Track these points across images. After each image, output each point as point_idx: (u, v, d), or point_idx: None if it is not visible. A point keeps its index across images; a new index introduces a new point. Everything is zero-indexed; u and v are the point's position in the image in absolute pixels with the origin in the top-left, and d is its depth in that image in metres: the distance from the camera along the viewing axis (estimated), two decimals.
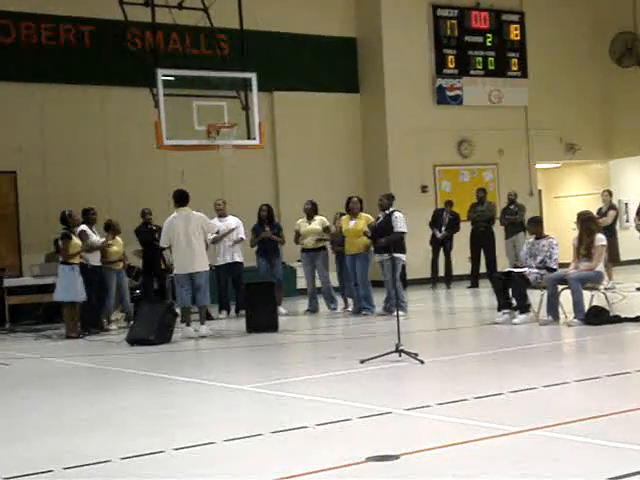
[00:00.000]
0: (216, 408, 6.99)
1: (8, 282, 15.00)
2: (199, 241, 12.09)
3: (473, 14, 21.05)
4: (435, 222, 18.52)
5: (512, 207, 18.11)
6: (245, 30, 16.05)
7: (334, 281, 14.86)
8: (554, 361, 8.71)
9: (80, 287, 12.59)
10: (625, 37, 21.96)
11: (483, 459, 4.90)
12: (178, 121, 14.61)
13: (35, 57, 17.10)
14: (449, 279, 18.51)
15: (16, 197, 17.00)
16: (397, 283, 12.56)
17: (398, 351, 8.44)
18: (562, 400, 6.60)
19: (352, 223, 13.55)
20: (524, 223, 16.12)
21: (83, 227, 13.31)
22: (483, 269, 18.03)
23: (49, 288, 13.98)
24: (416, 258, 17.31)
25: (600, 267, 11.17)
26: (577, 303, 10.80)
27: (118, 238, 13.89)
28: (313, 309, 14.58)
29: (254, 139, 15.39)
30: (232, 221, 14.65)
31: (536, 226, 11.91)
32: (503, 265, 16.83)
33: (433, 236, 18.48)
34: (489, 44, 21.22)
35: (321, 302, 14.65)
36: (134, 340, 11.37)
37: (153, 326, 11.35)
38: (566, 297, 11.07)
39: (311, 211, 14.59)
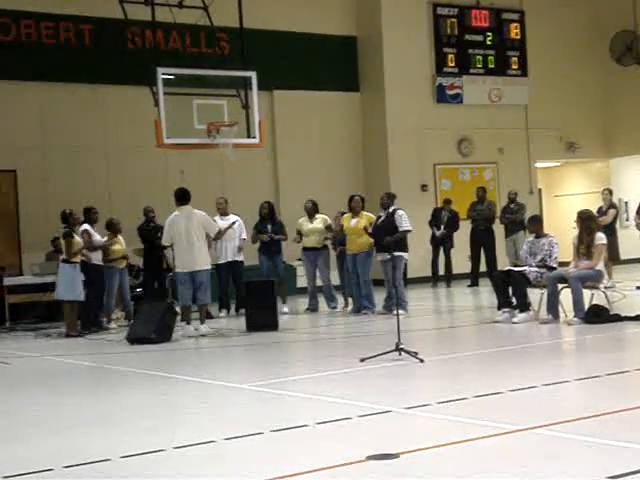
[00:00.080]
0: (216, 407, 6.99)
1: (8, 281, 15.03)
2: (200, 239, 12.08)
3: (473, 13, 21.04)
4: (434, 221, 18.53)
5: (512, 206, 18.11)
6: (245, 29, 16.06)
7: (335, 280, 14.88)
8: (554, 360, 8.71)
9: (81, 286, 12.60)
10: (625, 36, 21.94)
11: (483, 458, 4.90)
12: (178, 120, 14.61)
13: (35, 56, 17.09)
14: (449, 278, 18.52)
15: (16, 196, 16.99)
16: (399, 282, 12.56)
17: (398, 350, 8.44)
18: (562, 399, 6.61)
19: (353, 222, 13.56)
20: (524, 222, 16.12)
21: (86, 226, 13.32)
22: (483, 268, 18.03)
23: (49, 287, 14.00)
24: (416, 257, 17.32)
25: (600, 266, 11.17)
26: (577, 302, 10.81)
27: (120, 237, 13.92)
28: (313, 308, 14.59)
29: (254, 138, 15.40)
30: (233, 219, 14.63)
31: (536, 225, 11.91)
32: (503, 264, 16.82)
33: (433, 235, 18.49)
34: (489, 43, 21.22)
35: (321, 301, 14.66)
36: (134, 339, 11.37)
37: (153, 325, 11.36)
38: (566, 296, 11.07)
39: (312, 210, 14.60)
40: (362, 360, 8.39)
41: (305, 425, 5.87)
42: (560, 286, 11.11)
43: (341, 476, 4.70)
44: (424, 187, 20.38)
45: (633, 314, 10.90)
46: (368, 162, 20.50)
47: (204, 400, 7.27)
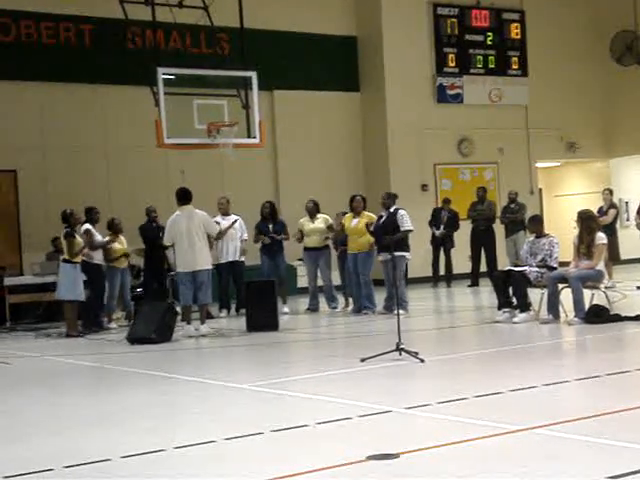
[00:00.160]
0: (216, 407, 6.99)
1: (9, 281, 15.04)
2: (202, 239, 12.08)
3: (473, 13, 21.05)
4: (434, 221, 18.54)
5: (512, 206, 18.11)
6: (245, 29, 16.06)
7: (336, 280, 14.88)
8: (554, 360, 8.71)
9: (81, 286, 12.61)
10: (625, 36, 21.95)
11: (483, 458, 4.90)
12: (178, 120, 14.61)
13: (35, 56, 17.09)
14: (449, 278, 18.52)
15: (16, 196, 17.00)
16: (401, 282, 12.55)
17: (398, 350, 8.44)
18: (562, 399, 6.61)
19: (354, 222, 13.56)
20: (524, 222, 16.13)
21: (87, 226, 13.33)
22: (484, 268, 18.03)
23: (50, 287, 14.00)
24: (416, 257, 17.26)
25: (600, 266, 11.17)
26: (577, 302, 10.80)
27: (121, 237, 13.93)
28: (314, 308, 14.59)
29: (254, 138, 15.40)
30: (234, 219, 14.60)
31: (536, 225, 11.91)
32: (503, 264, 16.83)
33: (433, 235, 18.50)
34: (489, 43, 21.22)
35: (321, 301, 14.66)
36: (135, 339, 11.37)
37: (154, 325, 11.36)
38: (566, 296, 11.07)
39: (314, 210, 14.60)
40: (362, 360, 8.39)
41: (305, 425, 5.87)
42: (560, 286, 11.10)
43: (341, 476, 4.70)
44: (424, 187, 20.39)
45: (633, 314, 10.90)
46: (368, 162, 20.51)
47: (204, 400, 7.27)
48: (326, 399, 6.81)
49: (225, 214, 14.65)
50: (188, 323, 12.08)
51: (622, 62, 22.08)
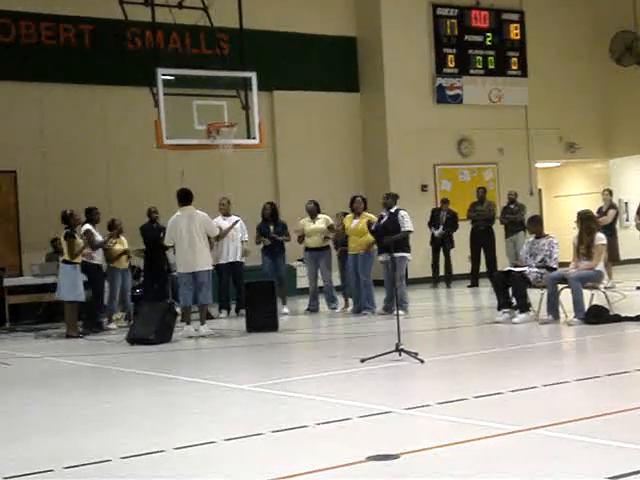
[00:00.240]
0: (216, 407, 6.99)
1: (8, 281, 15.03)
2: (202, 240, 12.07)
3: (473, 13, 21.06)
4: (433, 221, 18.54)
5: (512, 206, 18.11)
6: (245, 29, 16.07)
7: (336, 280, 14.87)
8: (554, 360, 8.71)
9: (81, 287, 12.61)
10: (625, 36, 21.95)
11: (483, 458, 4.90)
12: (178, 120, 14.62)
13: (35, 56, 17.10)
14: (449, 278, 18.52)
15: (16, 197, 17.00)
16: (401, 282, 12.54)
17: (398, 350, 8.44)
18: (562, 399, 6.60)
19: (355, 222, 13.57)
20: (524, 222, 16.13)
21: (88, 226, 13.32)
22: (483, 268, 18.03)
23: (49, 287, 14.00)
24: (416, 257, 17.21)
25: (600, 266, 11.17)
26: (577, 302, 10.80)
27: (122, 237, 13.93)
28: (314, 308, 14.58)
29: (254, 139, 15.40)
30: (235, 219, 14.59)
31: (536, 225, 11.91)
32: (503, 264, 16.83)
33: (432, 235, 18.50)
34: (489, 43, 21.24)
35: (321, 302, 14.66)
36: (134, 339, 11.37)
37: (153, 325, 11.36)
38: (566, 296, 11.07)
39: (314, 210, 14.60)
40: (362, 361, 8.39)
41: (305, 425, 5.87)
42: (560, 286, 11.10)
43: (341, 476, 4.70)
44: (424, 187, 20.40)
45: (633, 314, 10.89)
46: (368, 162, 20.51)
47: (204, 401, 7.27)
48: (326, 399, 6.81)
49: (226, 215, 14.64)
50: (188, 324, 12.08)
51: (622, 62, 22.09)
